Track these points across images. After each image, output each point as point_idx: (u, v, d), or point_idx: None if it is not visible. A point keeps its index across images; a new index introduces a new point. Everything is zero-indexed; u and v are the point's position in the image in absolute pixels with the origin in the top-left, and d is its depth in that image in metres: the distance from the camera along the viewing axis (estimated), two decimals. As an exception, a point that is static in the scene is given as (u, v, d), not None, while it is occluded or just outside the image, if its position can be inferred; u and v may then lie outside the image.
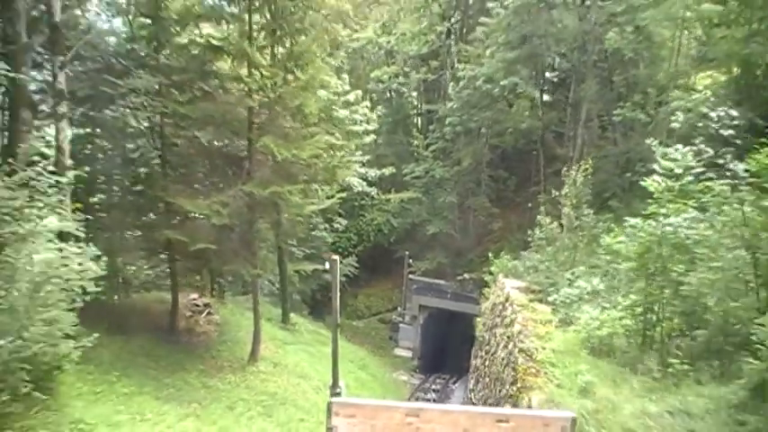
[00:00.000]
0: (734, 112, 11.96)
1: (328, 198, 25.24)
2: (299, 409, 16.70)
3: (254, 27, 16.81)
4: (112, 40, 17.83)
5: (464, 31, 38.09)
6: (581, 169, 20.37)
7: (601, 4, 26.46)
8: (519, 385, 13.79)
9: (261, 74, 16.35)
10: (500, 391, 16.59)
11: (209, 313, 22.81)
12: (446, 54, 37.09)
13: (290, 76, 17.07)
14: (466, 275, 34.00)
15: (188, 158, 18.52)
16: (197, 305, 22.82)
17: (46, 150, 14.53)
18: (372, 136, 29.17)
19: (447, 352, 36.78)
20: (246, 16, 16.44)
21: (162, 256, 19.98)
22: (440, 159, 37.30)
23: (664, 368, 11.19)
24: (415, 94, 41.54)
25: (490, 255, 27.12)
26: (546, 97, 35.77)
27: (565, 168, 21.95)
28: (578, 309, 15.99)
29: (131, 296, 21.60)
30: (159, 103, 15.93)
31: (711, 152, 11.65)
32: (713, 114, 12.13)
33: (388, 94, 39.20)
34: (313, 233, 26.14)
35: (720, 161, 11.17)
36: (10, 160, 9.75)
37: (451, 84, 34.01)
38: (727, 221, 11.03)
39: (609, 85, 29.63)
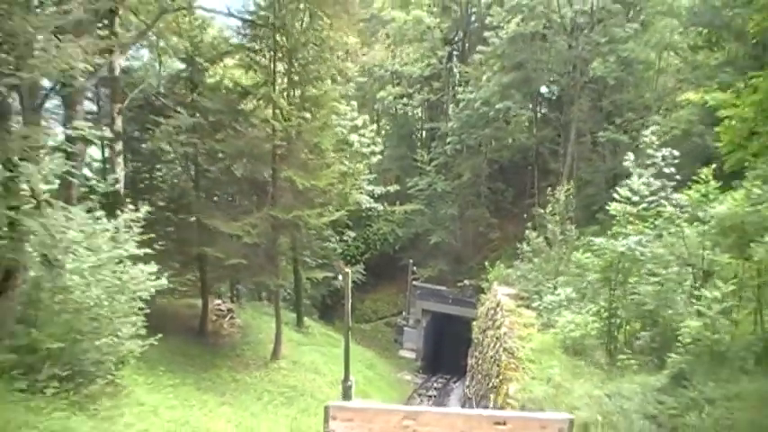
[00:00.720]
0: (676, 152, 14.47)
1: (338, 211, 27.75)
2: (315, 400, 19.24)
3: (277, 73, 19.51)
4: (154, 81, 20.46)
5: (465, 53, 40.71)
6: (564, 189, 22.87)
7: (587, 34, 28.95)
8: (501, 378, 16.47)
9: (282, 114, 18.95)
10: (488, 385, 19.16)
11: (231, 317, 25.39)
12: (447, 76, 39.71)
13: (308, 115, 19.68)
14: (466, 282, 36.32)
15: (219, 185, 21.11)
16: (221, 310, 25.41)
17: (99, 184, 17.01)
18: (379, 156, 31.59)
19: (448, 353, 39.06)
20: (272, 65, 19.07)
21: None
22: (442, 173, 39.83)
23: (614, 362, 13.74)
24: (419, 110, 44.07)
25: (487, 263, 29.45)
26: (542, 113, 38.39)
27: (549, 189, 24.33)
28: (558, 314, 18.40)
29: (163, 301, 24.19)
30: (198, 140, 18.54)
31: (659, 184, 14.20)
32: (658, 154, 14.65)
33: (394, 110, 41.71)
34: (324, 244, 28.56)
35: (663, 193, 13.71)
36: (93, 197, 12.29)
37: (452, 105, 36.65)
38: (672, 242, 13.60)
39: (598, 106, 32.11)
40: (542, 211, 23.91)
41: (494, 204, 40.95)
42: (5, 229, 9.92)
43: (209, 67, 19.40)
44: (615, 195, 15.22)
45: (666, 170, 14.04)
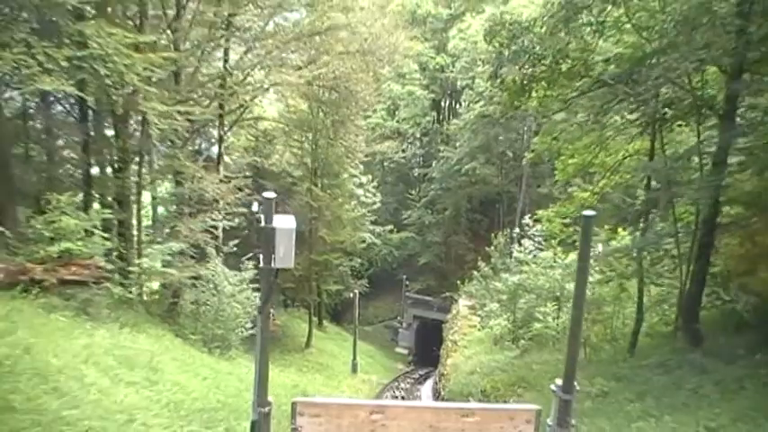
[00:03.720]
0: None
1: (350, 253, 38.36)
2: (336, 371, 29.97)
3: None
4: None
5: (449, 116, 51.89)
6: (503, 232, 33.56)
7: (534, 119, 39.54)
8: (446, 356, 27.33)
9: (315, 195, 29.83)
10: (441, 365, 29.96)
11: (273, 319, 36.15)
12: (434, 133, 50.84)
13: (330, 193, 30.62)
14: (448, 293, 46.97)
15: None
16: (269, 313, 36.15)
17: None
18: (378, 204, 42.23)
19: (433, 350, 49.58)
20: (309, 164, 30.06)
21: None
22: (429, 208, 50.76)
23: (513, 347, 24.26)
24: (413, 159, 55.28)
25: (458, 282, 39.98)
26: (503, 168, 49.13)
27: (492, 236, 34.95)
28: (490, 319, 28.94)
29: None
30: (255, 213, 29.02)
31: (532, 246, 25.02)
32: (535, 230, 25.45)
33: (392, 159, 52.70)
34: (339, 268, 39.09)
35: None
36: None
37: (434, 161, 47.79)
38: (540, 280, 24.20)
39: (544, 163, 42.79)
40: (491, 248, 34.44)
41: (471, 232, 51.67)
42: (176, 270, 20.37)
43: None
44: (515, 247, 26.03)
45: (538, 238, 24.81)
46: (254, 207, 10.77)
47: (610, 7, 15.64)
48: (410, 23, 50.58)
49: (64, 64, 13.29)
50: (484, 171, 43.56)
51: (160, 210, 24.82)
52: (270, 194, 7.33)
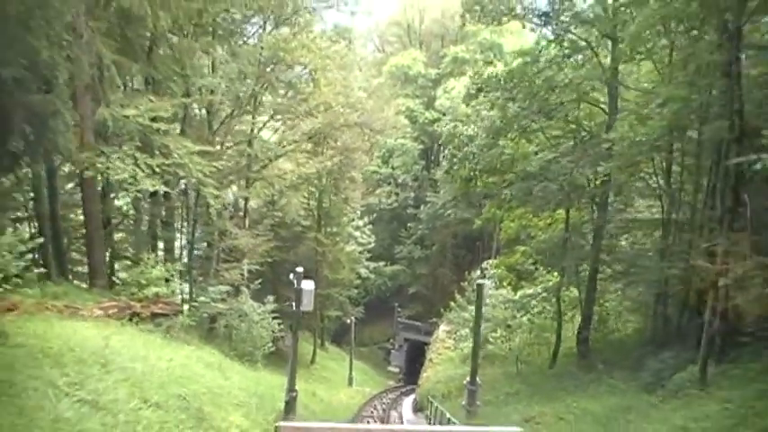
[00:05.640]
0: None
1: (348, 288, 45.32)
2: (335, 383, 36.63)
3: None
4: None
5: (438, 163, 59.31)
6: (473, 271, 40.37)
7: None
8: (423, 370, 34.18)
9: (318, 241, 36.91)
10: (419, 378, 36.72)
11: (282, 338, 42.82)
12: (423, 180, 58.27)
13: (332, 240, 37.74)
14: (434, 319, 53.70)
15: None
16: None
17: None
18: (372, 244, 49.28)
19: (420, 369, 56.19)
20: (316, 216, 37.25)
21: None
22: (418, 244, 57.82)
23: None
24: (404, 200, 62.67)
25: (441, 309, 46.65)
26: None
27: (466, 273, 41.75)
28: (462, 341, 35.56)
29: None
30: (278, 251, 36.08)
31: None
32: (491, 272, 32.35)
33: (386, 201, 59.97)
34: (338, 297, 45.86)
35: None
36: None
37: (422, 205, 55.12)
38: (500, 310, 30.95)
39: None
40: (465, 283, 41.19)
41: (456, 265, 58.43)
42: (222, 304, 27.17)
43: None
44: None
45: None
46: (291, 276, 16.63)
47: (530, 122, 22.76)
48: (403, 82, 58.35)
49: (156, 170, 20.33)
50: (465, 214, 50.43)
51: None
52: (300, 269, 14.62)
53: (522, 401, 18.81)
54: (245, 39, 28.99)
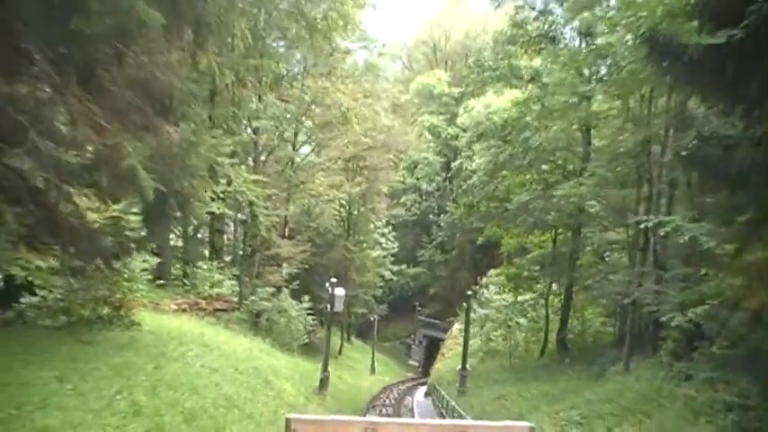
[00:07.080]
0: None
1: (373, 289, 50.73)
2: (360, 372, 42.03)
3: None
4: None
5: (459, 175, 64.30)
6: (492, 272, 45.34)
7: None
8: (436, 363, 39.55)
9: (347, 249, 42.33)
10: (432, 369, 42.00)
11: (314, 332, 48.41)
12: (444, 190, 63.39)
13: (359, 246, 43.10)
14: (451, 318, 58.83)
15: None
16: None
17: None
18: (395, 249, 54.58)
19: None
20: (346, 226, 42.69)
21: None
22: (439, 249, 62.94)
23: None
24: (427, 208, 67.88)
25: (457, 309, 51.75)
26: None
27: (478, 278, 46.74)
28: (472, 338, 40.67)
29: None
30: (312, 256, 41.47)
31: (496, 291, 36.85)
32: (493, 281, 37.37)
33: (411, 209, 65.20)
34: (364, 296, 51.29)
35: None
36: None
37: (443, 213, 60.24)
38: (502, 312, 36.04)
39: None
40: (477, 286, 46.21)
41: (474, 268, 63.33)
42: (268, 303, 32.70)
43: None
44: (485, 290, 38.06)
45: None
46: (327, 285, 21.98)
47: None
48: (428, 99, 63.45)
49: (221, 195, 25.86)
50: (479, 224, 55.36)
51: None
52: (334, 279, 20.41)
53: (501, 385, 23.90)
54: (291, 80, 34.35)
